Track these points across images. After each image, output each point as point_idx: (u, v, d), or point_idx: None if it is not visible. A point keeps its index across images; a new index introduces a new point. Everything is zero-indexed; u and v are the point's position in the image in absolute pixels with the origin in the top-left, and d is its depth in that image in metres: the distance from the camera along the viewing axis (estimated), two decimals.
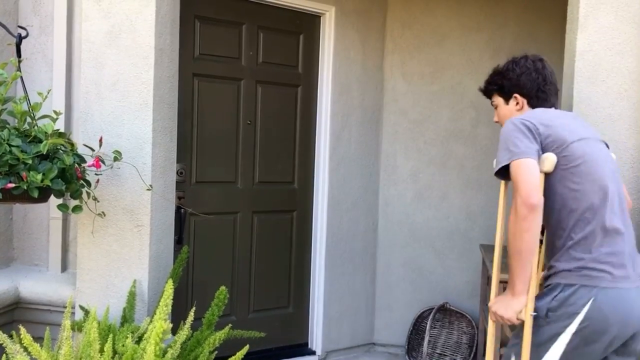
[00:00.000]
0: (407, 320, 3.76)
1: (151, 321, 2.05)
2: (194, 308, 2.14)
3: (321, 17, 3.40)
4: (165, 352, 1.87)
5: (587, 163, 1.68)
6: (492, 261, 3.02)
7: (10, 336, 2.00)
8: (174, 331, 2.39)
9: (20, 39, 2.06)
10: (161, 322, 1.66)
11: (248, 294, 3.32)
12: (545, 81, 1.87)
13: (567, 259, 1.67)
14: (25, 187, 1.83)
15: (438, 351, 3.58)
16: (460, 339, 3.62)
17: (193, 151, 3.06)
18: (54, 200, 2.28)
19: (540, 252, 1.85)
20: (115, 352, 1.96)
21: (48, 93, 2.01)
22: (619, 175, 1.77)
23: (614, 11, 2.01)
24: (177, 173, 2.88)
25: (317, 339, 3.50)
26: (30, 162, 1.83)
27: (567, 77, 2.15)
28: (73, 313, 2.42)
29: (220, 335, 2.14)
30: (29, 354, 1.85)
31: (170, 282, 2.08)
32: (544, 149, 1.69)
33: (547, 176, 1.70)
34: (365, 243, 3.73)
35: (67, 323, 1.93)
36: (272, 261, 3.38)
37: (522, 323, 1.69)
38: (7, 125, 1.89)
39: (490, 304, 1.80)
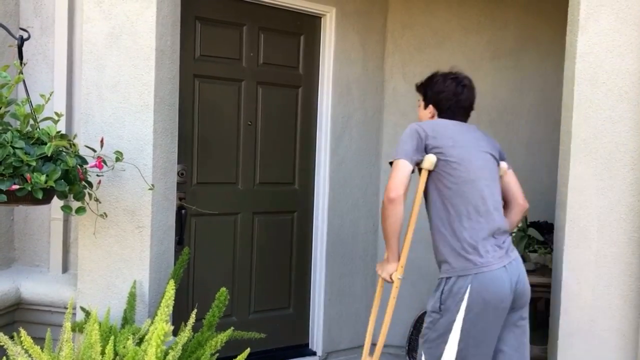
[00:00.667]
0: (407, 321, 3.76)
1: (152, 322, 2.06)
2: (195, 310, 2.14)
3: (322, 18, 3.41)
4: (166, 354, 1.87)
5: (463, 167, 2.06)
6: None
7: (12, 337, 2.00)
8: (175, 332, 2.40)
9: (22, 41, 2.06)
10: (162, 323, 1.66)
11: (249, 295, 3.32)
12: (457, 104, 2.22)
13: (444, 253, 2.07)
14: (30, 189, 1.83)
15: None
16: None
17: (194, 152, 3.06)
18: (54, 201, 2.28)
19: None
20: (116, 353, 1.96)
21: (50, 95, 2.02)
22: (493, 170, 2.15)
23: (615, 13, 2.01)
24: (178, 174, 2.89)
25: (317, 340, 3.50)
26: (34, 163, 1.83)
27: (567, 79, 2.15)
28: (74, 314, 2.42)
29: (222, 337, 2.14)
30: (30, 355, 1.86)
31: (171, 283, 2.08)
32: (428, 151, 2.09)
33: (430, 173, 2.10)
34: (365, 244, 3.73)
35: (67, 325, 1.94)
36: (273, 262, 3.39)
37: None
38: (10, 128, 1.89)
39: (377, 265, 2.30)
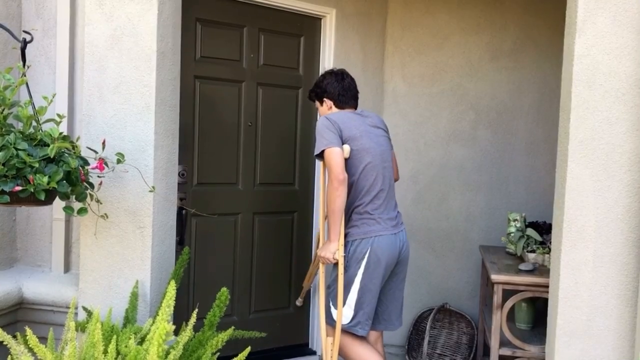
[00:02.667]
0: (407, 321, 3.78)
1: (153, 322, 2.08)
2: (196, 310, 2.16)
3: (322, 20, 3.43)
4: (167, 353, 1.89)
5: (367, 152, 2.49)
6: (492, 262, 3.05)
7: (14, 337, 2.02)
8: (177, 331, 2.42)
9: (25, 43, 2.07)
10: (164, 323, 1.68)
11: (249, 295, 3.34)
12: (344, 88, 2.64)
13: (355, 221, 2.52)
14: (32, 190, 1.85)
15: (438, 351, 3.60)
16: (460, 339, 3.64)
17: (194, 153, 3.08)
18: (56, 202, 2.30)
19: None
20: (118, 352, 1.98)
21: (53, 97, 2.03)
22: (388, 154, 2.60)
23: (612, 15, 2.03)
24: (179, 174, 2.91)
25: (317, 339, 3.52)
26: (36, 165, 1.85)
27: (565, 80, 2.16)
28: (76, 313, 2.44)
29: (223, 336, 2.16)
30: (33, 354, 1.88)
31: (172, 283, 2.10)
32: (345, 141, 2.48)
33: (346, 160, 2.47)
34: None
35: (71, 324, 1.96)
36: (273, 262, 3.41)
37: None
38: (13, 129, 1.91)
39: (317, 251, 2.61)
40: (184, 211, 2.94)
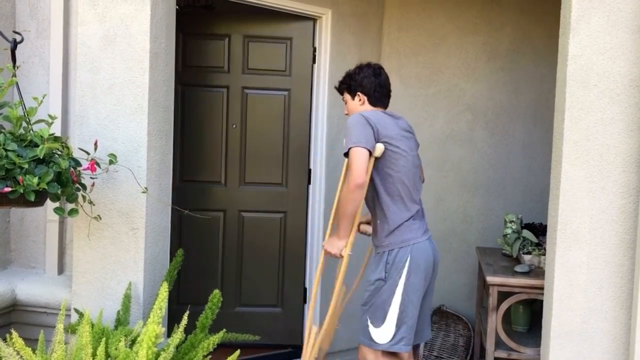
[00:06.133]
0: None
1: (145, 324, 2.06)
2: (187, 312, 2.15)
3: (317, 21, 3.42)
4: (157, 356, 1.88)
5: (401, 156, 2.34)
6: (487, 264, 3.03)
7: (5, 339, 2.01)
8: (169, 332, 2.41)
9: (15, 44, 2.07)
10: (154, 325, 1.67)
11: (238, 290, 3.40)
12: (380, 85, 2.46)
13: (392, 228, 2.36)
14: (22, 191, 1.84)
15: (435, 354, 3.59)
16: (456, 341, 3.62)
17: (177, 152, 3.25)
18: (50, 203, 2.29)
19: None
20: (108, 355, 1.97)
21: (43, 98, 2.02)
22: (418, 158, 2.48)
23: (606, 15, 2.01)
24: None
25: None
26: (26, 166, 1.84)
27: (559, 81, 2.15)
28: (69, 315, 2.43)
29: (215, 339, 2.15)
30: (22, 357, 1.87)
31: (165, 285, 2.09)
32: (380, 139, 2.30)
33: (377, 160, 2.32)
34: (362, 246, 3.73)
35: (60, 327, 1.95)
36: (264, 263, 3.48)
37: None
38: (3, 130, 1.90)
39: (323, 243, 2.47)
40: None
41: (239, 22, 3.39)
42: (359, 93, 2.47)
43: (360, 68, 2.50)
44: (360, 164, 2.22)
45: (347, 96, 2.52)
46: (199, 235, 3.36)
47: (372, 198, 2.39)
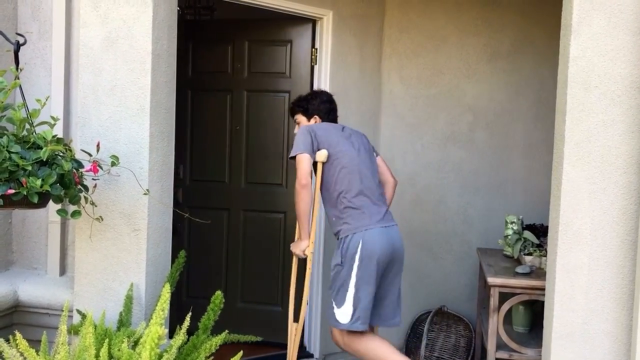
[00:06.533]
0: (404, 324, 3.77)
1: (147, 325, 2.07)
2: (190, 313, 2.15)
3: (318, 22, 3.42)
4: (160, 357, 1.88)
5: (344, 155, 2.67)
6: (488, 265, 3.04)
7: (7, 340, 2.01)
8: (172, 332, 2.41)
9: (18, 46, 2.07)
10: (157, 327, 1.67)
11: (239, 288, 3.45)
12: (331, 109, 2.88)
13: (344, 218, 2.64)
14: (25, 193, 1.84)
15: (436, 354, 3.59)
16: (457, 342, 3.63)
17: (187, 153, 3.50)
18: (52, 204, 2.29)
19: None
20: (111, 356, 1.97)
21: (46, 100, 2.03)
22: (366, 158, 2.76)
23: (607, 17, 2.02)
24: (176, 172, 3.35)
25: (315, 342, 3.52)
26: (29, 168, 1.84)
27: (560, 82, 2.16)
28: (70, 316, 2.44)
29: (217, 340, 2.15)
30: (25, 359, 1.87)
31: (167, 286, 2.10)
32: (320, 147, 2.66)
33: (324, 165, 2.67)
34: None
35: (63, 328, 1.95)
36: (265, 261, 3.55)
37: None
38: (6, 132, 1.91)
39: (290, 245, 2.82)
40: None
41: (243, 27, 3.52)
42: (315, 116, 2.86)
43: (314, 95, 2.93)
44: (303, 167, 2.59)
45: (302, 117, 2.89)
46: (207, 232, 3.48)
47: (326, 193, 2.70)
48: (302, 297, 2.71)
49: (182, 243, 3.68)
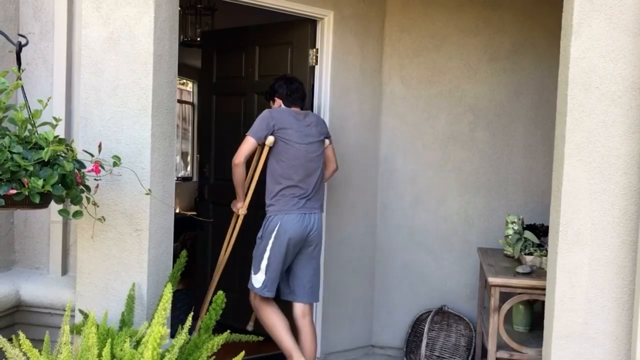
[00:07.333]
0: (405, 323, 3.78)
1: (149, 325, 2.08)
2: (191, 313, 2.16)
3: (319, 22, 3.43)
4: (162, 357, 1.89)
5: (292, 145, 2.97)
6: (489, 264, 3.04)
7: (10, 340, 2.02)
8: (173, 332, 2.42)
9: (20, 47, 2.07)
10: (159, 327, 1.68)
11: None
12: (290, 90, 3.10)
13: (274, 200, 3.00)
14: (27, 193, 1.85)
15: (436, 353, 3.60)
16: (458, 341, 3.63)
17: (211, 154, 3.84)
18: (54, 205, 2.30)
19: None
20: (113, 356, 1.98)
21: (48, 100, 2.03)
22: (314, 150, 3.05)
23: (608, 18, 2.02)
24: (203, 171, 4.16)
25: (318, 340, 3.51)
26: (31, 168, 1.85)
27: (561, 83, 2.16)
28: (73, 316, 2.45)
29: (219, 340, 2.16)
30: (28, 358, 1.88)
31: (169, 286, 2.10)
32: (274, 133, 2.98)
33: (271, 149, 3.00)
34: (363, 246, 3.75)
35: (66, 328, 1.96)
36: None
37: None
38: (8, 133, 1.91)
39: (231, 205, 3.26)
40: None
41: (252, 33, 3.68)
42: (275, 98, 3.15)
43: (276, 79, 3.17)
44: (244, 148, 2.95)
45: (270, 102, 3.20)
46: (223, 228, 3.46)
47: (270, 173, 3.02)
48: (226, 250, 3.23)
49: (206, 238, 4.10)
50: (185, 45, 4.29)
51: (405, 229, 3.81)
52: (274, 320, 3.01)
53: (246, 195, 3.14)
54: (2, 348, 1.95)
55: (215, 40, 3.98)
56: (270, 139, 2.98)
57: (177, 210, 6.17)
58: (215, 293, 2.41)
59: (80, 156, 2.14)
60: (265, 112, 3.03)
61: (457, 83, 3.72)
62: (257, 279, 3.00)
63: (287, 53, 3.53)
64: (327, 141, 3.17)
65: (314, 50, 3.45)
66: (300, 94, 3.14)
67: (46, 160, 1.88)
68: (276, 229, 2.96)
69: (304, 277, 3.08)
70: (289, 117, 3.03)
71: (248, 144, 2.96)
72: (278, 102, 3.15)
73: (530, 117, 3.66)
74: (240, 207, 3.18)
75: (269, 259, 2.96)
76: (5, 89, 1.90)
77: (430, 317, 3.60)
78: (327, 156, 3.18)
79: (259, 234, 3.04)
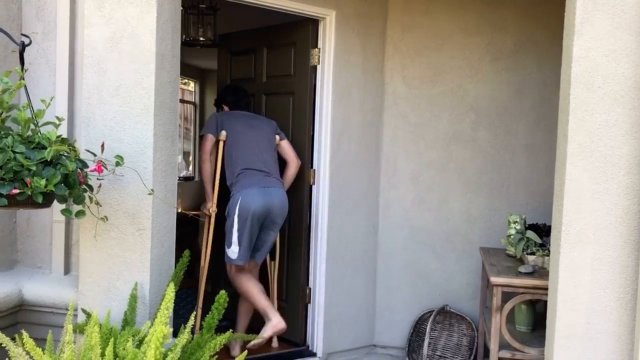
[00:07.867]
0: (407, 323, 3.78)
1: (152, 324, 2.08)
2: (194, 312, 2.17)
3: (321, 22, 3.43)
4: (165, 356, 1.89)
5: (241, 136, 3.36)
6: (491, 264, 3.04)
7: (13, 339, 2.02)
8: (176, 331, 2.42)
9: (23, 46, 2.08)
10: (161, 326, 1.68)
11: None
12: (236, 97, 3.59)
13: (235, 182, 3.34)
14: (30, 193, 1.86)
15: (438, 353, 3.60)
16: (460, 341, 3.63)
17: None
18: (57, 204, 2.31)
19: None
20: (116, 355, 1.98)
21: (51, 100, 2.04)
22: (264, 141, 3.41)
23: (610, 17, 2.02)
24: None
25: (317, 341, 3.53)
26: (34, 168, 1.85)
27: (564, 82, 2.16)
28: (75, 315, 2.45)
29: (221, 339, 2.16)
30: (31, 357, 1.88)
31: (171, 285, 2.11)
32: (222, 129, 3.38)
33: (224, 143, 3.38)
34: (365, 246, 3.75)
35: (69, 327, 1.96)
36: (291, 253, 3.58)
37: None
38: (11, 132, 1.92)
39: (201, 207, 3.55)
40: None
41: (260, 34, 3.69)
42: (223, 105, 3.60)
43: (224, 89, 3.71)
44: (205, 146, 3.34)
45: (219, 109, 3.64)
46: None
47: (227, 161, 3.35)
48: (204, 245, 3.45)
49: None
50: (187, 45, 4.27)
51: (407, 229, 3.81)
52: (249, 285, 3.29)
53: (213, 191, 3.40)
54: (5, 347, 1.96)
55: (230, 42, 4.07)
56: (223, 134, 3.36)
57: (179, 210, 6.17)
58: (217, 293, 2.42)
59: (83, 156, 2.14)
60: (213, 114, 3.54)
61: (459, 82, 3.71)
62: (232, 251, 3.26)
63: (290, 53, 3.54)
64: (277, 136, 3.44)
65: (316, 49, 3.45)
66: (245, 101, 3.59)
67: (49, 159, 1.89)
68: (238, 203, 3.23)
69: (267, 242, 3.38)
70: (235, 115, 3.46)
71: (206, 140, 3.35)
72: (226, 108, 3.58)
73: (532, 116, 3.66)
74: (210, 206, 3.40)
75: (238, 232, 3.22)
76: (8, 89, 1.91)
77: (432, 316, 3.60)
78: (285, 153, 3.44)
79: (226, 212, 3.31)
